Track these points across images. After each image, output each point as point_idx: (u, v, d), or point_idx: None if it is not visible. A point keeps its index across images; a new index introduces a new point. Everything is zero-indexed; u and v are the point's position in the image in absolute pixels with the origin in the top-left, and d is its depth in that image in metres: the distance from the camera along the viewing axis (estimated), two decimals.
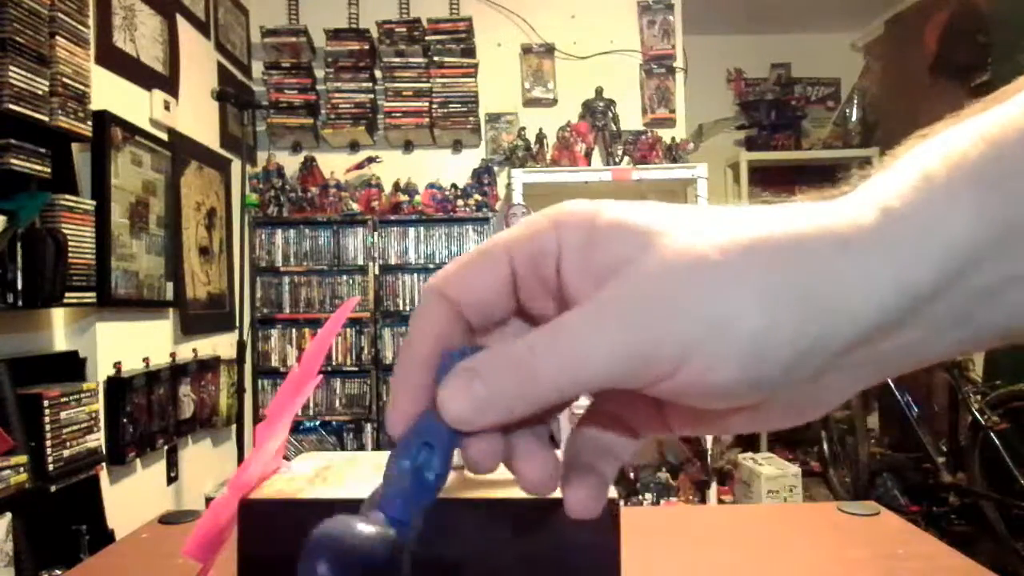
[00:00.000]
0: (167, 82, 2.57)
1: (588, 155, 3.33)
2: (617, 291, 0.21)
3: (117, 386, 2.13)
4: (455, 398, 0.22)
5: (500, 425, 0.23)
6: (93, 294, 1.94)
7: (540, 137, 3.35)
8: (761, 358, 0.20)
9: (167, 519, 0.75)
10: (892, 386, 2.80)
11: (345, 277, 3.35)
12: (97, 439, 1.94)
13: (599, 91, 3.46)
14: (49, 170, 1.72)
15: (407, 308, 3.33)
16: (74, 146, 1.96)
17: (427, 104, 3.34)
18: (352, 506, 0.29)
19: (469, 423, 0.22)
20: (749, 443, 3.79)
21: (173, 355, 2.55)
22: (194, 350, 2.69)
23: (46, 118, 1.71)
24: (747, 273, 0.20)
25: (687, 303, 0.20)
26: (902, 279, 0.19)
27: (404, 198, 3.35)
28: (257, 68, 3.48)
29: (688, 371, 0.20)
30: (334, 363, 3.29)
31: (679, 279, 0.20)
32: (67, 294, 1.78)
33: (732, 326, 0.20)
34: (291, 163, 3.45)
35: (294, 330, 3.34)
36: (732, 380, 0.20)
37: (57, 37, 1.76)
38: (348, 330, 3.31)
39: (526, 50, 3.54)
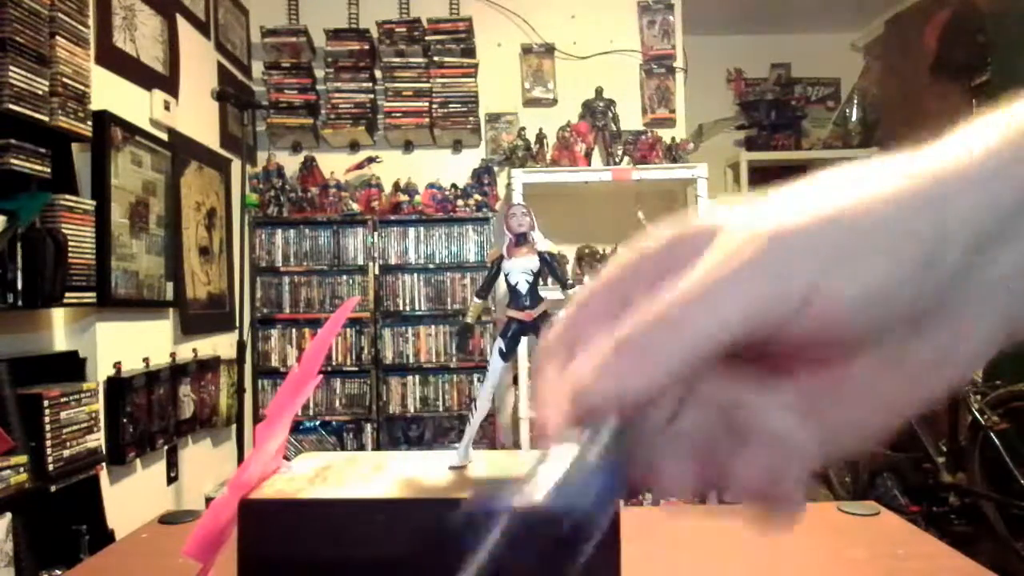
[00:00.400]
0: (167, 82, 2.57)
1: (588, 155, 3.33)
2: (738, 246, 0.20)
3: (117, 386, 2.13)
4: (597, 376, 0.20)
5: (657, 390, 0.21)
6: (93, 294, 1.94)
7: (540, 137, 3.35)
8: (887, 277, 0.20)
9: (167, 519, 0.75)
10: None
11: (345, 277, 3.35)
12: (97, 439, 1.94)
13: (599, 91, 3.46)
14: (49, 170, 1.72)
15: (407, 308, 3.33)
16: (74, 146, 1.96)
17: (427, 104, 3.34)
18: (352, 506, 0.29)
19: (627, 394, 0.20)
20: None
21: (173, 355, 2.55)
22: (194, 350, 2.69)
23: (46, 118, 1.71)
24: (864, 216, 0.20)
25: (803, 243, 0.20)
26: (993, 194, 0.20)
27: (404, 198, 3.35)
28: (257, 68, 3.48)
29: (816, 303, 0.20)
30: (334, 363, 3.29)
31: (786, 228, 0.20)
32: (67, 294, 1.78)
33: (854, 254, 0.20)
34: (291, 163, 3.45)
35: (294, 330, 3.34)
36: (859, 299, 0.20)
37: (57, 37, 1.76)
38: (348, 330, 3.30)
39: (526, 50, 3.54)
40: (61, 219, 1.78)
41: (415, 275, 3.35)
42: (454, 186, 3.39)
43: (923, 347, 0.21)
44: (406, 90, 3.35)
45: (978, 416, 2.44)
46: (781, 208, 0.21)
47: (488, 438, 3.24)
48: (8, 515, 1.57)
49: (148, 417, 2.27)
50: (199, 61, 2.89)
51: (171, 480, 2.52)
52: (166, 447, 2.46)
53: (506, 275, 0.72)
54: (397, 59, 3.39)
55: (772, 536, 0.71)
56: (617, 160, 3.37)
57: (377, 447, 3.30)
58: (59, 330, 1.99)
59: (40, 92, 1.69)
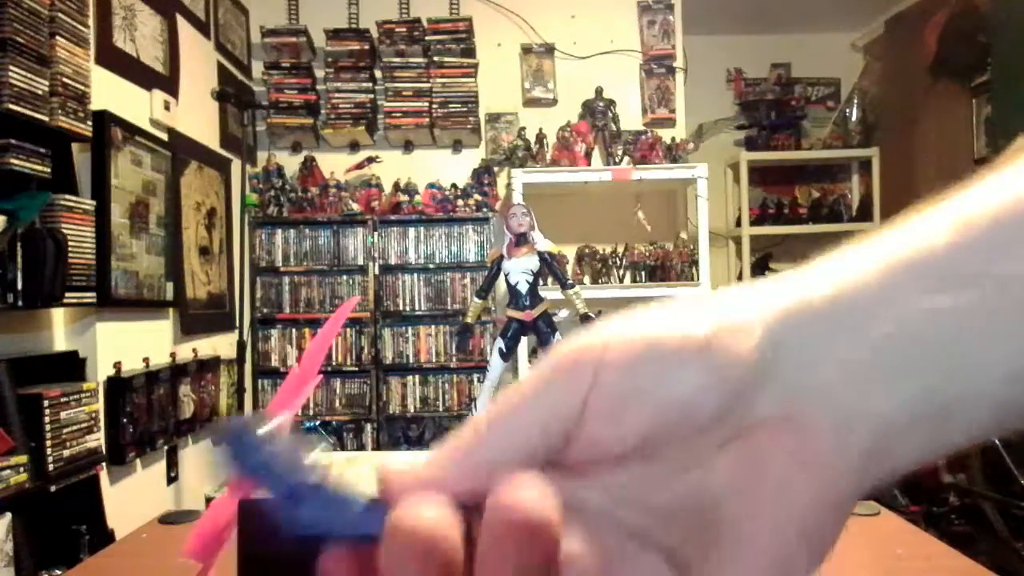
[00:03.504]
0: (167, 82, 2.57)
1: (588, 155, 3.32)
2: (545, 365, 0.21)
3: (117, 386, 2.13)
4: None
5: None
6: (93, 294, 1.94)
7: (540, 137, 3.35)
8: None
9: (167, 519, 0.75)
10: None
11: (345, 277, 3.35)
12: (97, 439, 1.94)
13: (599, 91, 3.46)
14: (49, 170, 1.72)
15: (407, 308, 3.33)
16: (74, 146, 1.96)
17: (427, 104, 3.34)
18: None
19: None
20: None
21: (173, 355, 2.55)
22: (194, 350, 2.69)
23: (46, 118, 1.71)
24: None
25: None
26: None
27: (404, 198, 3.35)
28: (257, 68, 3.47)
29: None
30: (334, 363, 3.29)
31: None
32: (67, 294, 1.77)
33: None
34: (291, 163, 3.45)
35: (294, 330, 3.33)
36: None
37: (57, 37, 1.76)
38: (348, 330, 3.30)
39: (526, 50, 3.54)
40: (61, 219, 1.78)
41: (415, 275, 3.34)
42: (454, 186, 3.39)
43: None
44: (406, 90, 3.35)
45: None
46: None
47: None
48: (8, 515, 1.57)
49: (148, 417, 2.27)
50: (199, 61, 2.89)
51: (171, 480, 2.51)
52: (166, 447, 2.46)
53: (506, 275, 0.72)
54: (397, 59, 3.39)
55: None
56: (617, 160, 3.37)
57: (377, 447, 3.30)
58: (59, 330, 1.99)
59: (40, 92, 1.69)
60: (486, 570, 0.18)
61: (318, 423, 3.33)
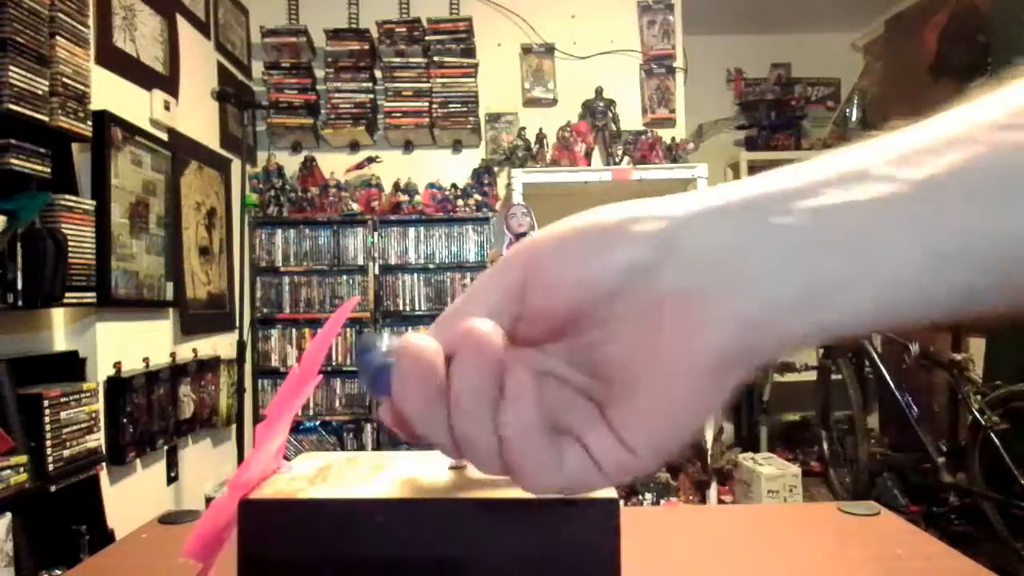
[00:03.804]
0: (167, 82, 2.57)
1: (588, 155, 3.33)
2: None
3: (117, 386, 2.13)
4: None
5: None
6: (93, 294, 1.94)
7: (540, 137, 3.35)
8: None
9: (167, 519, 0.75)
10: (892, 386, 2.80)
11: (345, 277, 3.35)
12: (97, 439, 1.94)
13: (599, 91, 3.46)
14: (49, 170, 1.72)
15: (407, 308, 3.33)
16: (74, 146, 1.96)
17: (427, 104, 3.34)
18: (352, 506, 0.29)
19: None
20: (749, 443, 3.79)
21: (173, 355, 2.55)
22: (194, 350, 2.69)
23: (46, 118, 1.71)
24: None
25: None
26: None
27: (404, 198, 3.35)
28: (257, 68, 3.48)
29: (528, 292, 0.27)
30: (334, 363, 3.29)
31: None
32: (67, 294, 1.78)
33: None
34: (291, 163, 3.45)
35: (294, 330, 3.34)
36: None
37: (57, 37, 1.76)
38: (348, 330, 3.31)
39: (526, 50, 3.54)
40: (61, 219, 1.78)
41: (415, 275, 3.35)
42: (454, 186, 3.40)
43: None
44: (406, 90, 3.35)
45: (978, 416, 2.44)
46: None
47: None
48: (8, 515, 1.57)
49: (148, 417, 2.27)
50: (199, 61, 2.89)
51: (171, 480, 2.52)
52: (166, 447, 2.46)
53: None
54: (397, 59, 3.39)
55: (772, 536, 0.71)
56: (617, 160, 3.37)
57: (377, 447, 3.30)
58: (59, 330, 1.99)
59: (40, 92, 1.69)
60: (455, 376, 0.25)
61: (318, 423, 3.33)
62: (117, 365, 2.15)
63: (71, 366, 1.98)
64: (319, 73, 3.41)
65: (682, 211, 0.24)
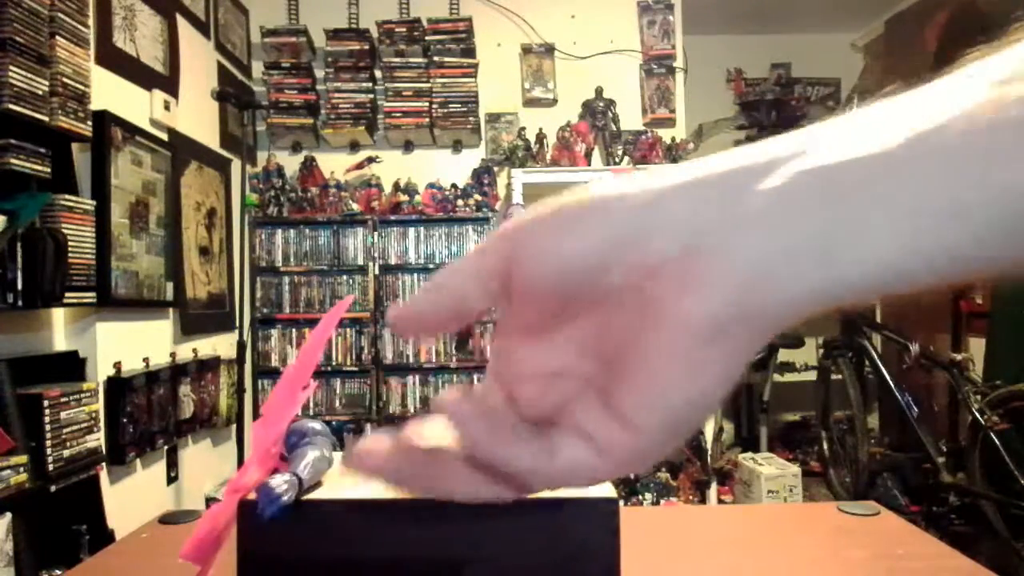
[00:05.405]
0: (167, 82, 2.57)
1: (588, 155, 3.33)
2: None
3: (117, 386, 2.13)
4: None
5: None
6: (93, 294, 1.94)
7: (540, 137, 3.35)
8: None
9: (167, 519, 0.75)
10: (892, 386, 2.80)
11: (345, 277, 3.35)
12: (97, 439, 1.94)
13: (599, 91, 3.46)
14: (49, 170, 1.72)
15: None
16: (74, 146, 1.97)
17: (427, 104, 3.34)
18: (352, 507, 0.29)
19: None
20: (749, 443, 3.79)
21: (173, 355, 2.55)
22: (194, 350, 2.69)
23: (46, 118, 1.71)
24: None
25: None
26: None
27: (404, 198, 3.35)
28: (257, 68, 3.48)
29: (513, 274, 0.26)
30: (334, 363, 3.29)
31: None
32: (67, 294, 1.78)
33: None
34: (291, 163, 3.45)
35: (294, 330, 3.34)
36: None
37: (57, 37, 1.76)
38: (348, 330, 3.31)
39: (526, 50, 3.54)
40: (61, 219, 1.78)
41: (415, 275, 3.35)
42: (454, 186, 3.40)
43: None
44: (406, 90, 3.35)
45: (978, 416, 2.44)
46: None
47: None
48: (8, 515, 1.57)
49: (148, 417, 2.27)
50: (199, 61, 2.89)
51: (171, 480, 2.52)
52: (166, 447, 2.46)
53: None
54: (397, 59, 3.39)
55: (772, 536, 0.71)
56: (617, 160, 3.37)
57: None
58: (59, 330, 1.99)
59: (40, 92, 1.69)
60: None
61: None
62: (117, 365, 2.15)
63: (71, 366, 1.98)
64: (319, 73, 3.41)
65: (667, 182, 0.23)
